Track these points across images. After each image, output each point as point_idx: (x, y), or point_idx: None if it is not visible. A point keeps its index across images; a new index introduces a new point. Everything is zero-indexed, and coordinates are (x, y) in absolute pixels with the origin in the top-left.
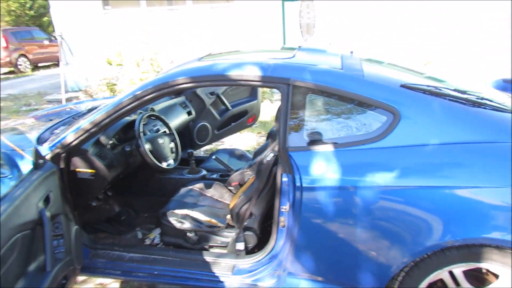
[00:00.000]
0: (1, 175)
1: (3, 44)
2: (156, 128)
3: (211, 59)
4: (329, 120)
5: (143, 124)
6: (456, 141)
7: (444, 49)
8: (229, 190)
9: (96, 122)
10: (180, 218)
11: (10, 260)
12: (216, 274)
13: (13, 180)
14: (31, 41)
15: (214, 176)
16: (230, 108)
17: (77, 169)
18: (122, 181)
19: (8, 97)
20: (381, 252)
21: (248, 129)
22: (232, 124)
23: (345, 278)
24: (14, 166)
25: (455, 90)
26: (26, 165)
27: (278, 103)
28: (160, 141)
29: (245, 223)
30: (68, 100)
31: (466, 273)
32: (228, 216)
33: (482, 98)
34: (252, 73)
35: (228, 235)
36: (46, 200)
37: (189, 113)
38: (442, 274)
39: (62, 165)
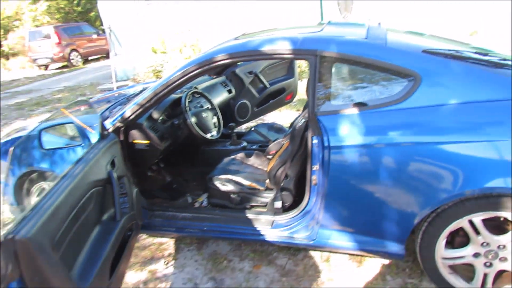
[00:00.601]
0: (77, 144)
1: (56, 40)
2: (199, 104)
3: (246, 38)
4: (354, 86)
5: (188, 101)
6: (474, 100)
7: (492, 19)
8: (268, 158)
9: (149, 97)
10: (224, 182)
11: (89, 208)
12: (257, 229)
13: (85, 148)
14: (81, 36)
15: (254, 147)
16: (268, 86)
17: (134, 141)
18: (172, 154)
19: (64, 89)
20: (404, 203)
21: (287, 106)
22: (271, 101)
23: (371, 228)
24: (85, 137)
25: (476, 53)
26: (92, 138)
27: None
28: (204, 115)
29: (281, 184)
30: (119, 87)
31: (485, 222)
32: (267, 180)
33: (505, 59)
34: (282, 47)
35: (267, 196)
36: (112, 164)
37: (229, 91)
38: (462, 223)
39: (121, 138)
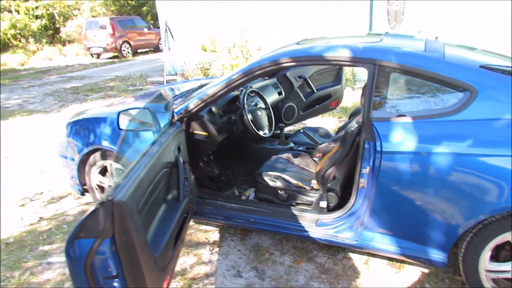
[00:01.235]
0: (149, 128)
1: (110, 31)
2: (254, 103)
3: (308, 43)
4: (410, 95)
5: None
6: None
7: None
8: (314, 160)
9: (213, 93)
10: (273, 178)
11: (160, 186)
12: (302, 225)
13: (156, 133)
14: (133, 29)
15: (300, 148)
16: (315, 91)
17: (195, 131)
18: (221, 148)
19: (116, 78)
20: (451, 212)
21: (329, 113)
22: (316, 106)
23: (416, 234)
24: (156, 123)
25: None
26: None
27: (360, 91)
28: (259, 113)
29: (328, 185)
30: (168, 81)
31: None
32: (313, 181)
33: None
34: (343, 54)
35: (313, 196)
36: (178, 150)
37: (279, 93)
38: (509, 236)
39: (184, 127)
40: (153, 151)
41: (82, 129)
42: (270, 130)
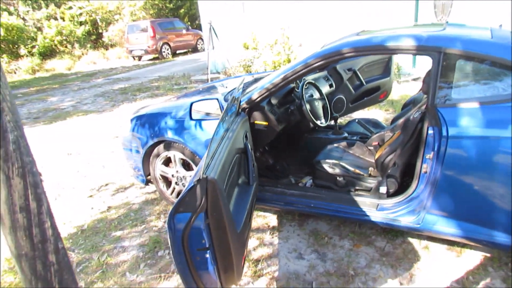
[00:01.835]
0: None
1: (151, 34)
2: (309, 94)
3: (368, 34)
4: (476, 81)
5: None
6: None
7: None
8: (369, 149)
9: (275, 84)
10: (332, 165)
11: (234, 171)
12: (363, 210)
13: (224, 122)
14: (172, 31)
15: (354, 138)
16: (364, 83)
17: (256, 121)
18: (276, 138)
19: (159, 78)
20: None
21: (375, 105)
22: (365, 98)
23: (480, 217)
24: (225, 112)
25: None
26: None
27: (405, 84)
28: (316, 103)
29: (388, 171)
30: (211, 79)
31: None
32: (371, 168)
33: None
34: (407, 43)
35: (371, 182)
36: (245, 137)
37: (330, 85)
38: None
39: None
40: (229, 137)
41: (147, 123)
42: (326, 119)
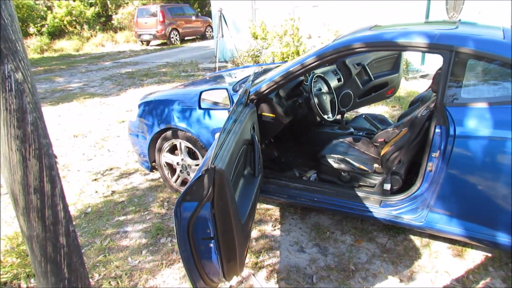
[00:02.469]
0: (225, 108)
1: (161, 18)
2: (317, 87)
3: (380, 29)
4: (487, 82)
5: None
6: None
7: None
8: (375, 145)
9: (285, 76)
10: (337, 160)
11: (241, 162)
12: (366, 205)
13: (234, 113)
14: (182, 17)
15: (360, 133)
16: (372, 79)
17: (263, 113)
18: (281, 131)
19: (167, 64)
20: None
21: (382, 102)
22: (373, 94)
23: (484, 217)
24: (233, 103)
25: None
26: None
27: (413, 81)
28: (324, 97)
29: (393, 168)
30: (219, 68)
31: None
32: (376, 164)
33: None
34: (419, 40)
35: (375, 179)
36: (253, 129)
37: (339, 80)
38: None
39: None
40: (237, 128)
41: (154, 109)
42: (333, 114)
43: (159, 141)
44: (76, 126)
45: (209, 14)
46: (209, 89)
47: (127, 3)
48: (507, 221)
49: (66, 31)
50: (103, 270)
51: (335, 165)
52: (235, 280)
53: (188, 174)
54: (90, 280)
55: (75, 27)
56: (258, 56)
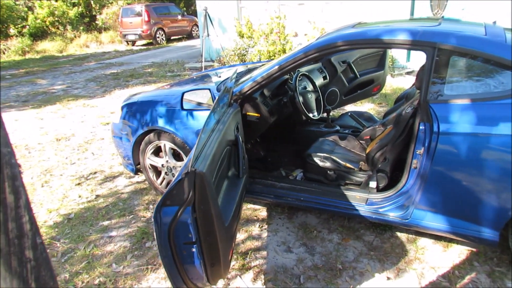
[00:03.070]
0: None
1: (146, 18)
2: (302, 86)
3: (364, 27)
4: (469, 78)
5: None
6: None
7: None
8: (360, 143)
9: (268, 75)
10: (323, 159)
11: (224, 163)
12: (352, 204)
13: (215, 113)
14: (167, 16)
15: (346, 131)
16: (358, 76)
17: (248, 113)
18: (268, 130)
19: (153, 64)
20: (503, 193)
21: (369, 99)
22: (359, 91)
23: (468, 213)
24: (216, 103)
25: None
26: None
27: (399, 78)
28: (309, 96)
29: (378, 166)
30: (205, 68)
31: None
32: (362, 162)
33: None
34: (402, 37)
35: (361, 176)
36: (237, 129)
37: (324, 77)
38: None
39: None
40: (220, 128)
41: (138, 110)
42: (319, 112)
43: (143, 143)
44: (59, 130)
45: (195, 13)
46: (192, 90)
47: (111, 2)
48: (491, 217)
49: (49, 32)
50: (86, 277)
51: (321, 164)
52: (221, 283)
53: (173, 176)
54: None
55: (58, 28)
56: (245, 55)
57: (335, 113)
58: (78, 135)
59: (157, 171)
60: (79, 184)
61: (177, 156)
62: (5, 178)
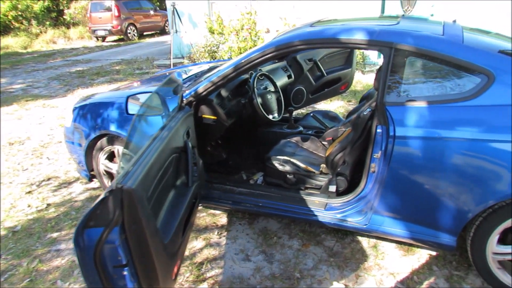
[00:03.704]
0: (158, 113)
1: (116, 13)
2: (263, 86)
3: (322, 25)
4: (426, 80)
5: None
6: None
7: None
8: (323, 144)
9: (223, 76)
10: (282, 162)
11: (169, 172)
12: (311, 209)
13: (164, 118)
14: (139, 11)
15: (310, 132)
16: (325, 74)
17: (204, 115)
18: (229, 132)
19: (122, 62)
20: (462, 197)
21: (338, 96)
22: (326, 90)
23: (426, 219)
24: (165, 107)
25: None
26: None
27: (370, 75)
28: (269, 96)
29: (338, 169)
30: (174, 65)
31: None
32: (323, 165)
33: None
34: (359, 37)
35: (321, 180)
36: (187, 135)
37: (289, 76)
38: None
39: (192, 111)
40: (163, 136)
41: (89, 113)
42: (279, 114)
43: (95, 148)
44: (13, 133)
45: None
46: (138, 93)
47: None
48: (449, 221)
49: (12, 27)
50: None
51: (280, 167)
52: None
53: None
54: None
55: (22, 23)
56: (215, 52)
57: (304, 111)
58: (34, 138)
59: (112, 177)
60: (29, 192)
61: None
62: None
